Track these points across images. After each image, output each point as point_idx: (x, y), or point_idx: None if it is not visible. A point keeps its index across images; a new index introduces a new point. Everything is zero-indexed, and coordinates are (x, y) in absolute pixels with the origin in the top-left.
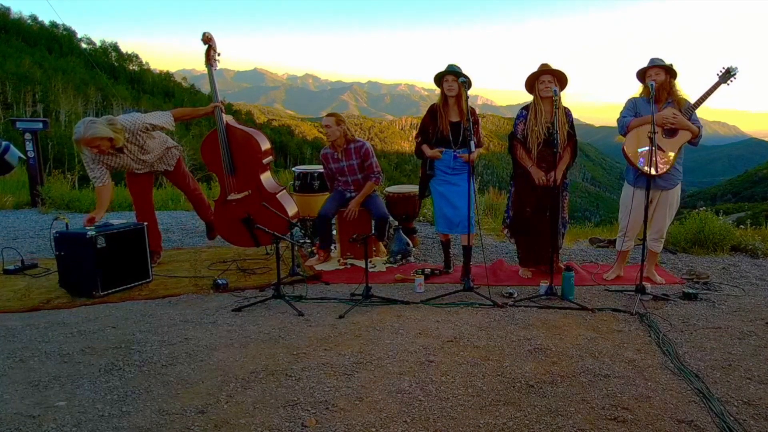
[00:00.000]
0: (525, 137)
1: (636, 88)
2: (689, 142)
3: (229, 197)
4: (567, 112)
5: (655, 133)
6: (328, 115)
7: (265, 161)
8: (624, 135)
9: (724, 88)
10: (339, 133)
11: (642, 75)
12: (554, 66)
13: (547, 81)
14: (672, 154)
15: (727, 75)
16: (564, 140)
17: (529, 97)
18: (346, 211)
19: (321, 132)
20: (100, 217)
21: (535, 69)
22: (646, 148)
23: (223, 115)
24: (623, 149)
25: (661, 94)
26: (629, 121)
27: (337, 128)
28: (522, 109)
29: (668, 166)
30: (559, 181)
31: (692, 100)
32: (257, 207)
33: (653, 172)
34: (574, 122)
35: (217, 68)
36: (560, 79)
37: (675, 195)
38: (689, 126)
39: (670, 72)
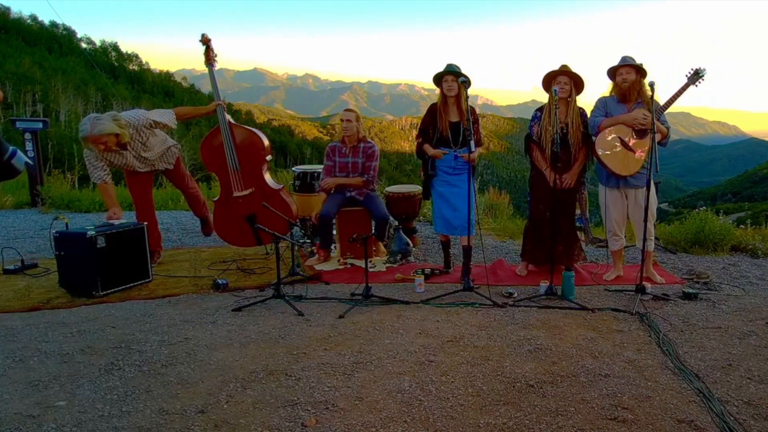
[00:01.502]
0: (540, 138)
1: (606, 87)
2: (658, 143)
3: (235, 194)
4: (582, 113)
5: (655, 132)
6: (348, 110)
7: (267, 158)
8: (595, 135)
9: (692, 89)
10: (356, 129)
11: (613, 73)
12: (575, 70)
13: (563, 82)
14: (642, 154)
15: (696, 76)
16: (579, 141)
17: (526, 97)
18: (323, 182)
19: (321, 132)
20: (120, 210)
21: (543, 69)
22: (618, 148)
23: (226, 114)
24: (594, 149)
25: (632, 94)
26: (600, 121)
27: (356, 124)
28: (537, 110)
29: (639, 166)
30: (573, 183)
31: (661, 101)
32: (260, 205)
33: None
34: None
35: (216, 67)
36: (576, 83)
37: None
38: (659, 127)
39: (640, 72)
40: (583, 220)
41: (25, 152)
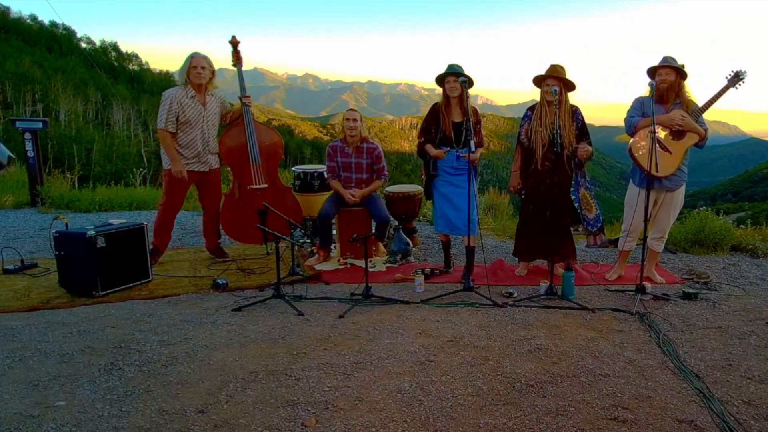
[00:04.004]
0: (529, 138)
1: (642, 87)
2: (695, 144)
3: (253, 186)
4: (575, 112)
5: (655, 132)
6: (351, 110)
7: (282, 158)
8: (631, 135)
9: (731, 91)
10: (360, 129)
11: (652, 73)
12: (561, 67)
13: (551, 85)
14: (679, 156)
15: (736, 78)
16: (571, 142)
17: (526, 97)
18: (348, 196)
19: (321, 132)
20: (182, 164)
21: (542, 69)
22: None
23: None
24: (629, 150)
25: (670, 94)
26: (637, 122)
27: (360, 124)
28: (528, 110)
29: (675, 168)
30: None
31: (699, 101)
32: (270, 202)
33: (654, 171)
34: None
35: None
36: (566, 85)
37: (679, 195)
38: (697, 128)
39: (680, 73)
40: (589, 223)
41: (25, 152)
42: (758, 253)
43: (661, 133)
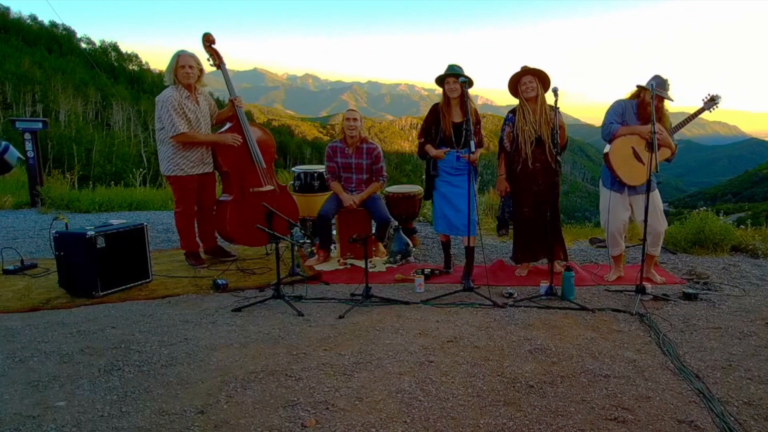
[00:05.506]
0: (514, 139)
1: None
2: (666, 159)
3: (264, 188)
4: (552, 108)
5: (655, 133)
6: (351, 110)
7: (276, 157)
8: (609, 141)
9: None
10: (359, 130)
11: (640, 90)
12: (539, 67)
13: (528, 82)
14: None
15: (711, 102)
16: (564, 138)
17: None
18: (350, 203)
19: (321, 132)
20: (221, 137)
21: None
22: (630, 159)
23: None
24: (606, 156)
25: (648, 111)
26: (616, 129)
27: (360, 124)
28: (509, 112)
29: (645, 179)
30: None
31: (674, 115)
32: (275, 203)
33: (644, 174)
34: (577, 123)
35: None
36: (542, 79)
37: (656, 196)
38: (670, 144)
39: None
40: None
41: (25, 152)
42: (758, 254)
43: (637, 144)
